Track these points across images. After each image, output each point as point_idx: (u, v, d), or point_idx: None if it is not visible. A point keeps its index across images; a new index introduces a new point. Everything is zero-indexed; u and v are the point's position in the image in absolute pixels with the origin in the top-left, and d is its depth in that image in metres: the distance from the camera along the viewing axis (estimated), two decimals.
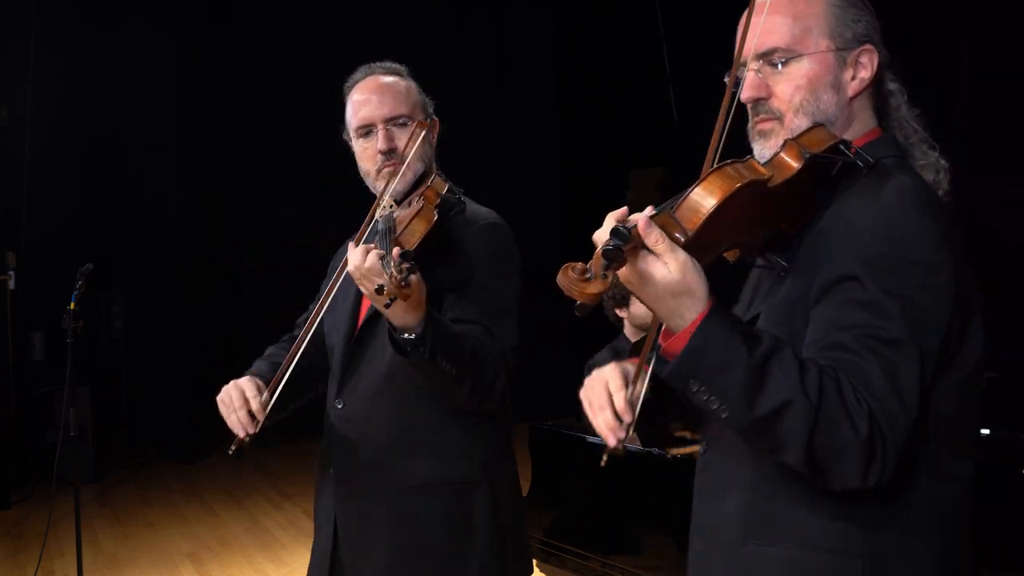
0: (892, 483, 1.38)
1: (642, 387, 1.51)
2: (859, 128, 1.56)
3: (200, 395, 8.43)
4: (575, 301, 1.30)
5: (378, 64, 2.35)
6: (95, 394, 7.23)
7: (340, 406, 2.27)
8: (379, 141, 2.24)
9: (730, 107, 1.48)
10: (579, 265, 1.29)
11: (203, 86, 8.29)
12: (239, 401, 2.19)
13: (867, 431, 1.30)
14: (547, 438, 3.68)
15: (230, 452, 2.23)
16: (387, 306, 1.89)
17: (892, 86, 1.59)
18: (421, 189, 2.18)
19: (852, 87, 1.54)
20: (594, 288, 1.27)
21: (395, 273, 1.84)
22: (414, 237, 2.05)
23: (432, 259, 2.09)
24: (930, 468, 1.43)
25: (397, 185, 2.21)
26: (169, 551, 5.66)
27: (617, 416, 1.50)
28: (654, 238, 1.30)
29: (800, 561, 1.45)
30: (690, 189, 1.35)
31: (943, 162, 1.56)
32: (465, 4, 9.17)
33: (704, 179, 1.34)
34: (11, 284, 7.05)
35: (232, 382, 2.23)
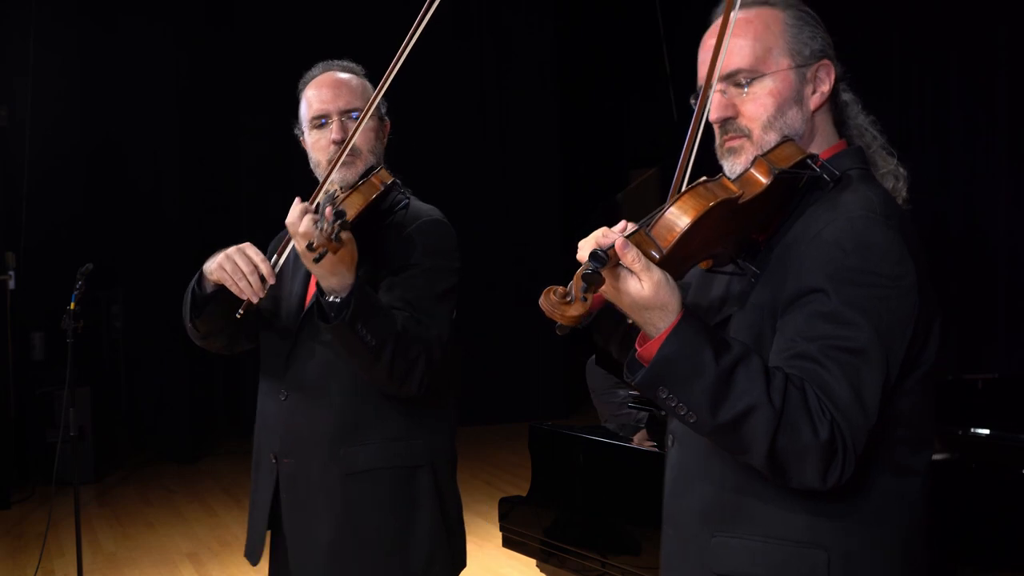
0: (858, 478, 1.46)
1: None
2: (823, 141, 1.63)
3: (200, 395, 8.46)
4: (555, 323, 1.35)
5: (335, 62, 2.41)
6: (95, 394, 7.22)
7: (284, 397, 2.31)
8: (333, 131, 2.29)
9: (698, 128, 1.55)
10: (560, 289, 1.34)
11: (203, 86, 8.28)
12: (248, 266, 2.15)
13: (828, 436, 1.38)
14: (547, 438, 3.67)
15: (238, 316, 2.19)
16: (316, 261, 1.95)
17: (846, 96, 1.66)
18: (368, 177, 2.23)
19: (814, 101, 1.61)
20: (575, 311, 1.33)
21: (326, 227, 1.92)
22: (352, 209, 2.11)
23: (371, 250, 2.17)
24: (893, 464, 1.52)
25: (348, 174, 2.25)
26: (169, 551, 5.66)
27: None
28: (630, 258, 1.37)
29: (767, 553, 1.52)
30: (664, 207, 1.42)
31: (902, 169, 1.64)
32: (465, 4, 9.17)
33: (678, 198, 1.42)
34: (11, 284, 7.04)
35: (233, 248, 2.20)
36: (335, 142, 2.27)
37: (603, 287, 1.38)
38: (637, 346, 1.47)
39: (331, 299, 2.06)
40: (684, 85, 8.83)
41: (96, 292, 7.68)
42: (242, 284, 2.15)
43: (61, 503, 5.56)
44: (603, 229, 1.44)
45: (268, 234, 2.60)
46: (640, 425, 3.38)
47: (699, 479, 1.61)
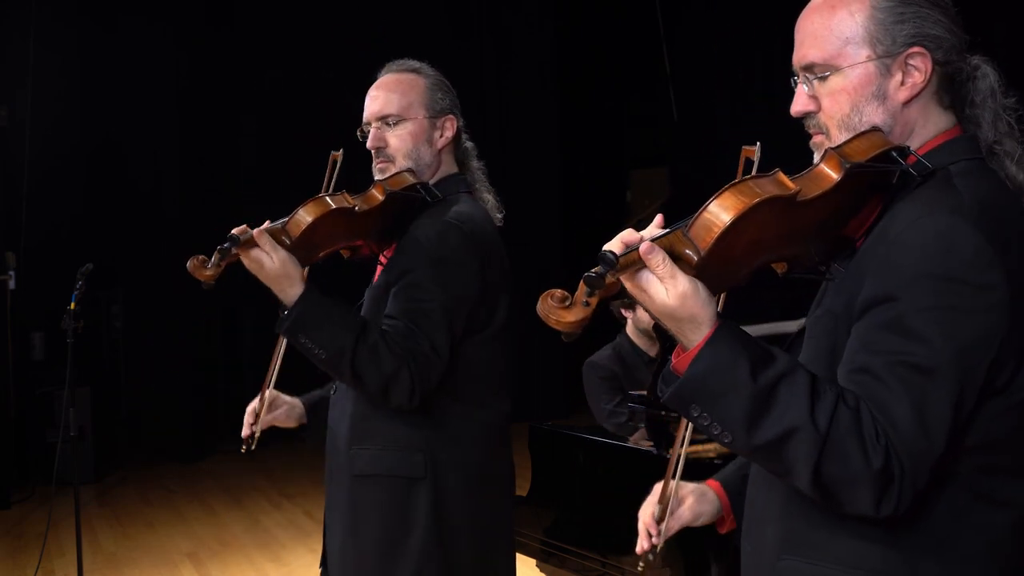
0: (939, 507, 1.35)
1: (667, 505, 1.72)
2: (927, 132, 1.47)
3: (200, 395, 8.45)
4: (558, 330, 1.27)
5: (396, 62, 2.42)
6: (95, 394, 7.22)
7: (332, 392, 2.43)
8: (369, 139, 2.34)
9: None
10: (558, 292, 1.26)
11: (203, 86, 8.28)
12: (248, 419, 2.43)
13: (881, 464, 1.26)
14: (547, 438, 3.67)
15: (242, 451, 2.44)
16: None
17: (983, 70, 1.48)
18: (370, 187, 2.30)
19: (902, 94, 1.45)
20: (572, 316, 1.25)
21: (213, 257, 2.06)
22: (298, 227, 2.16)
23: (396, 250, 2.28)
24: (980, 493, 1.37)
25: (381, 180, 2.33)
26: (169, 551, 5.66)
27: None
28: (655, 262, 1.27)
29: None
30: (706, 204, 1.30)
31: None
32: (465, 4, 9.17)
33: (719, 195, 1.29)
34: (11, 284, 7.04)
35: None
36: (370, 149, 2.34)
37: (630, 288, 1.29)
38: (673, 357, 1.37)
39: (282, 310, 2.16)
40: (684, 85, 8.83)
41: (96, 292, 7.67)
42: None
43: (61, 503, 5.55)
44: (630, 230, 1.34)
45: None
46: (640, 425, 3.38)
47: (770, 494, 1.50)
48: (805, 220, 1.37)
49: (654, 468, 3.11)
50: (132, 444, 8.19)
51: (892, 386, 1.29)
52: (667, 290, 1.28)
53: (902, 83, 1.45)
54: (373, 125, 2.33)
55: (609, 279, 1.25)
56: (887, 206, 1.42)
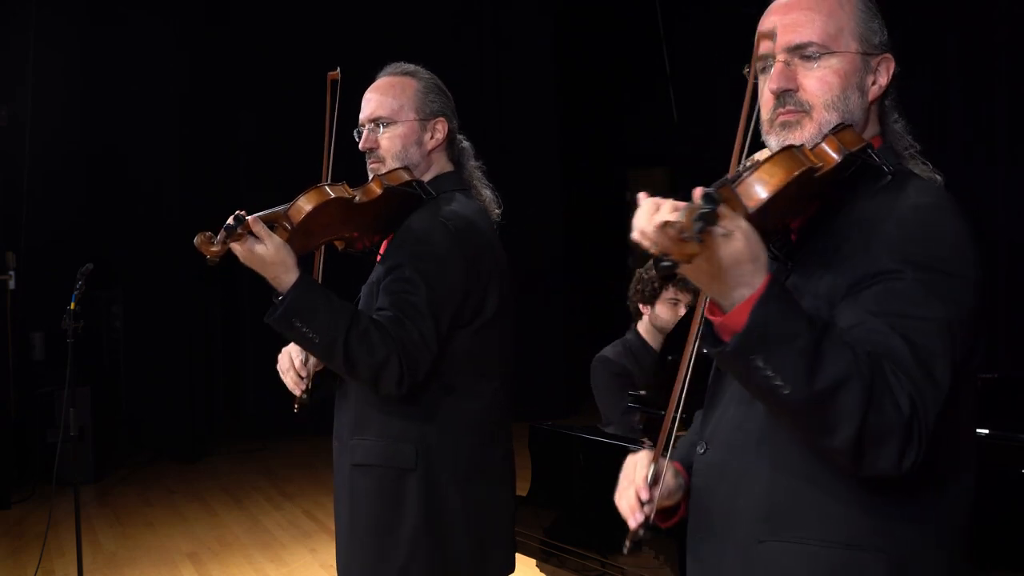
0: (918, 484, 1.40)
1: (663, 468, 1.57)
2: (869, 133, 1.59)
3: (200, 395, 8.45)
4: (662, 260, 1.20)
5: (392, 64, 2.48)
6: (95, 394, 7.22)
7: (338, 386, 2.47)
8: (361, 141, 2.41)
9: (754, 98, 1.51)
10: (678, 224, 1.19)
11: (204, 86, 8.29)
12: (286, 364, 2.36)
13: (909, 413, 1.30)
14: (547, 438, 3.67)
15: (295, 412, 2.38)
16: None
17: (887, 101, 1.62)
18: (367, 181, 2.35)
19: (872, 92, 1.57)
20: (691, 249, 1.19)
21: (219, 235, 2.09)
22: (300, 214, 2.20)
23: (389, 247, 2.34)
24: (949, 458, 1.44)
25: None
26: (169, 551, 5.66)
27: (640, 499, 1.53)
28: (722, 211, 1.25)
29: (822, 558, 1.44)
30: (750, 168, 1.36)
31: (938, 176, 1.59)
32: (465, 4, 9.17)
33: (770, 159, 1.36)
34: (11, 284, 7.04)
35: (286, 347, 2.38)
36: (362, 150, 2.40)
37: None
38: (709, 315, 1.34)
39: (276, 296, 2.19)
40: (684, 85, 8.83)
41: (96, 292, 7.68)
42: (286, 380, 2.36)
43: (61, 503, 5.55)
44: (660, 200, 1.29)
45: None
46: (639, 426, 3.38)
47: (744, 481, 1.51)
48: (803, 196, 1.45)
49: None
50: (132, 444, 8.20)
51: (900, 340, 1.34)
52: (735, 237, 1.26)
53: (874, 83, 1.57)
54: (366, 127, 2.40)
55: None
56: (843, 196, 1.51)
